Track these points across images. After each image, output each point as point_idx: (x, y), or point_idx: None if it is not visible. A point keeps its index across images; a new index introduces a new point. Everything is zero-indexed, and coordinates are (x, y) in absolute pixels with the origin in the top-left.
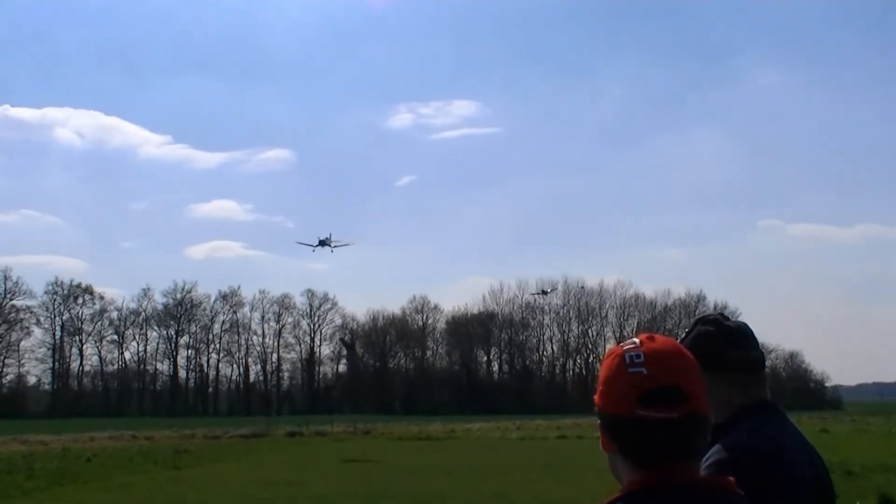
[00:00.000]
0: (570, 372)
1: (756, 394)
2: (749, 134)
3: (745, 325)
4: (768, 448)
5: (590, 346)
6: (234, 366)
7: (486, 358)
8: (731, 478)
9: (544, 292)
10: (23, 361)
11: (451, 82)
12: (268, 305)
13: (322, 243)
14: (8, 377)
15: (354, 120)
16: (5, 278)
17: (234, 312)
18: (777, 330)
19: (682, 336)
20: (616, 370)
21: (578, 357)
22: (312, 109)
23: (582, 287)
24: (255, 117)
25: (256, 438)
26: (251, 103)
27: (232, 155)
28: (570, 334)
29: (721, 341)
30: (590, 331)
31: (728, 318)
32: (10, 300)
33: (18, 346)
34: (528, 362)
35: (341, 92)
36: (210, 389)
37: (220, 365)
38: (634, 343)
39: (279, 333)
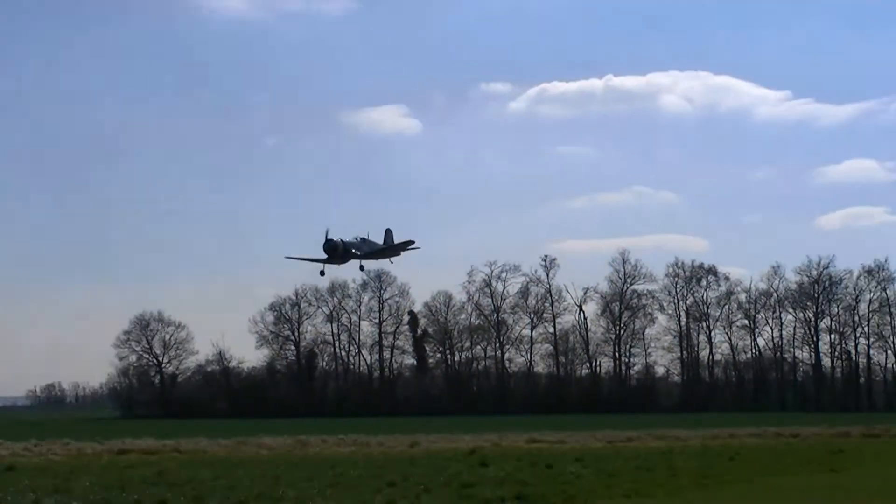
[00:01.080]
0: None
1: None
2: None
3: None
4: None
5: None
6: (888, 352)
7: None
8: None
9: None
10: (649, 351)
11: None
12: None
13: (335, 252)
14: (635, 367)
15: None
16: (623, 262)
17: (883, 290)
18: None
19: None
20: None
21: None
22: None
23: None
24: (889, 58)
25: None
26: (882, 43)
27: (864, 106)
28: None
29: None
30: None
31: None
32: (631, 285)
33: (643, 334)
34: None
35: None
36: (861, 380)
37: (871, 351)
38: None
39: None
